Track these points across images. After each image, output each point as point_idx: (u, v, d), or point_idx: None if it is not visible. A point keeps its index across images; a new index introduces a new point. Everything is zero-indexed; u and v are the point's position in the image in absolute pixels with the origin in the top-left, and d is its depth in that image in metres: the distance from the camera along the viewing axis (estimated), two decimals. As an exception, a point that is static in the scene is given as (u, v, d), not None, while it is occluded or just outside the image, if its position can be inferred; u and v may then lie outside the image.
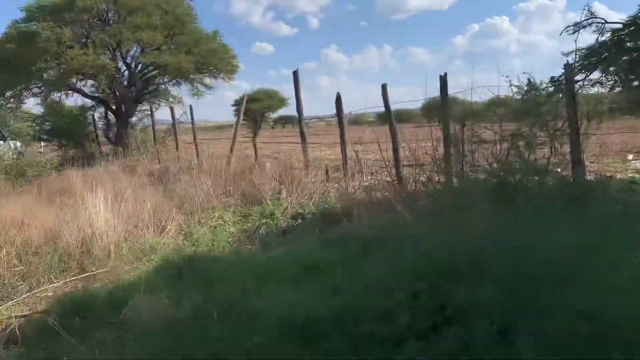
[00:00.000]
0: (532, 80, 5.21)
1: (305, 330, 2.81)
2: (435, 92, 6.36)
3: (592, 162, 8.54)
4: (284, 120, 59.56)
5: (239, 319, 3.05)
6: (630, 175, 7.75)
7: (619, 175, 7.73)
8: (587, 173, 7.23)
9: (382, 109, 7.70)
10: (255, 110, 50.06)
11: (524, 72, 4.79)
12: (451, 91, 6.22)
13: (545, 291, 2.23)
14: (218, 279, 3.81)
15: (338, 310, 2.87)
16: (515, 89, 5.13)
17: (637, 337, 2.36)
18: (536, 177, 2.39)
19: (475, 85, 5.37)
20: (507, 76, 4.91)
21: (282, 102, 52.54)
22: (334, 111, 8.84)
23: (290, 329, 2.85)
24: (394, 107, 7.54)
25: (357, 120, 53.04)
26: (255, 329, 2.91)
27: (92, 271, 4.70)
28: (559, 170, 2.64)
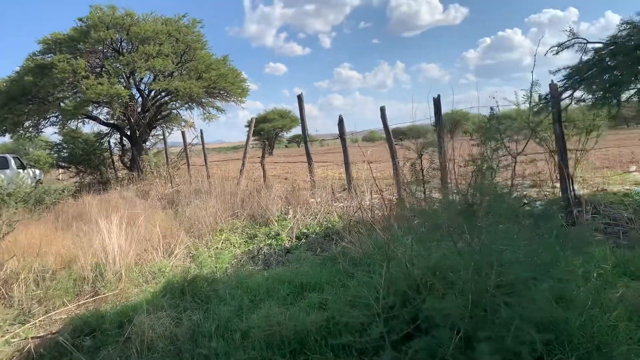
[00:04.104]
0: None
1: (293, 343, 3.05)
2: (447, 106, 6.61)
3: (593, 176, 8.67)
4: (299, 139, 60.23)
5: (234, 335, 3.30)
6: (627, 187, 7.84)
7: (616, 188, 7.83)
8: (583, 187, 7.39)
9: (396, 126, 7.95)
10: (268, 130, 50.77)
11: (521, 89, 5.04)
12: (461, 106, 6.48)
13: (502, 303, 2.44)
14: (216, 299, 4.07)
15: (323, 324, 3.11)
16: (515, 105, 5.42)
17: (585, 344, 2.58)
18: (495, 199, 2.60)
19: (486, 99, 5.57)
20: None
21: (294, 121, 53.45)
22: (349, 128, 9.14)
23: (280, 343, 3.09)
24: (400, 125, 7.84)
25: (371, 137, 53.45)
26: (248, 344, 3.16)
27: (104, 294, 4.97)
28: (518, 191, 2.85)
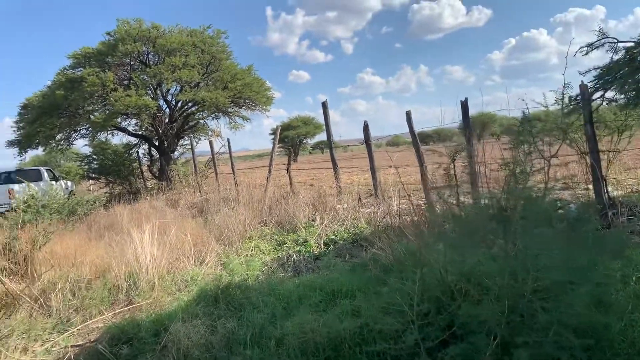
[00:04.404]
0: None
1: (328, 350, 3.06)
2: (474, 108, 6.57)
3: (626, 177, 8.47)
4: (322, 145, 60.52)
5: (268, 342, 3.33)
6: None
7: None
8: (617, 189, 7.22)
9: (421, 130, 7.90)
10: (292, 137, 51.00)
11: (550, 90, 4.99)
12: (489, 108, 6.41)
13: (540, 308, 2.42)
14: (250, 306, 4.11)
15: (357, 331, 3.11)
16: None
17: (626, 349, 2.52)
18: (529, 203, 2.58)
19: (513, 101, 5.54)
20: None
21: (318, 128, 53.50)
22: (373, 133, 9.09)
23: (315, 350, 3.10)
24: (425, 129, 7.80)
25: (395, 142, 53.22)
26: (283, 351, 3.18)
27: (138, 302, 5.07)
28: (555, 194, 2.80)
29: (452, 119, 6.33)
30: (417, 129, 7.68)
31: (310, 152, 64.83)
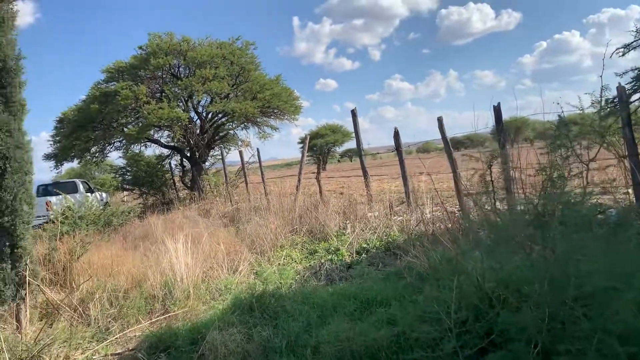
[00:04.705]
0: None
1: (364, 358, 3.04)
2: (506, 113, 6.46)
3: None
4: (351, 153, 60.63)
5: (304, 350, 3.33)
6: None
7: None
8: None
9: (452, 135, 7.81)
10: (320, 146, 51.08)
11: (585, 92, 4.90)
12: (521, 112, 6.28)
13: (582, 315, 2.36)
14: (284, 315, 4.12)
15: (393, 340, 3.09)
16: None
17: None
18: (568, 208, 2.53)
19: (546, 105, 5.40)
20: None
21: (346, 136, 53.37)
22: (403, 140, 9.03)
23: (352, 358, 3.09)
24: (457, 134, 7.73)
25: (425, 148, 52.80)
26: (319, 359, 3.18)
27: (174, 311, 5.14)
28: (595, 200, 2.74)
29: (485, 124, 6.23)
30: (449, 134, 7.59)
31: (338, 160, 64.95)
